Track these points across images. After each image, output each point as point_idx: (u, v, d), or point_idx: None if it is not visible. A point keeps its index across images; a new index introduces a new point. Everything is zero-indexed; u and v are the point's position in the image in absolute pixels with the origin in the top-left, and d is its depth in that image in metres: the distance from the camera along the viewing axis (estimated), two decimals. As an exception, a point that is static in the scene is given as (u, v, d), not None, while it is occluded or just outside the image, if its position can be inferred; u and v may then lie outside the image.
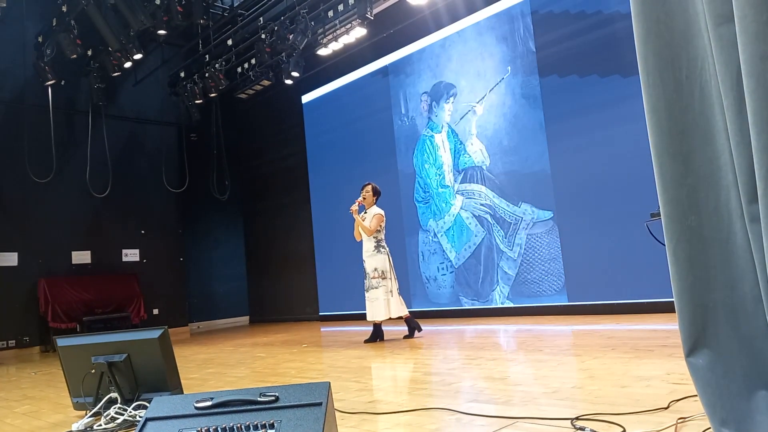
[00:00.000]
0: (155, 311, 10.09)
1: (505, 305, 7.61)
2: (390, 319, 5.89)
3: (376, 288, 5.84)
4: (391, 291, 5.84)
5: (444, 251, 8.43)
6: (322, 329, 8.55)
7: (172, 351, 3.04)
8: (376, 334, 5.97)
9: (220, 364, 5.45)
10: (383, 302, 5.80)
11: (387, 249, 5.96)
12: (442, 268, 8.44)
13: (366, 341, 5.97)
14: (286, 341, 7.10)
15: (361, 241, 6.09)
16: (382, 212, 6.02)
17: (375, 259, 5.90)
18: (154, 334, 2.97)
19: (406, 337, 5.97)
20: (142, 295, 9.76)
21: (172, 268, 10.57)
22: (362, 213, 6.10)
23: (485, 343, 5.31)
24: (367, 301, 5.92)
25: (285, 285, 11.04)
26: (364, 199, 6.06)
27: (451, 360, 4.40)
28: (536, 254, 7.32)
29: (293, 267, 10.86)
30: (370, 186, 6.13)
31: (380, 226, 5.95)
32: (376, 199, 6.14)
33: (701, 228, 1.61)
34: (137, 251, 10.20)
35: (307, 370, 4.48)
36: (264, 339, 7.73)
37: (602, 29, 6.72)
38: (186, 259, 10.92)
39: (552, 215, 7.15)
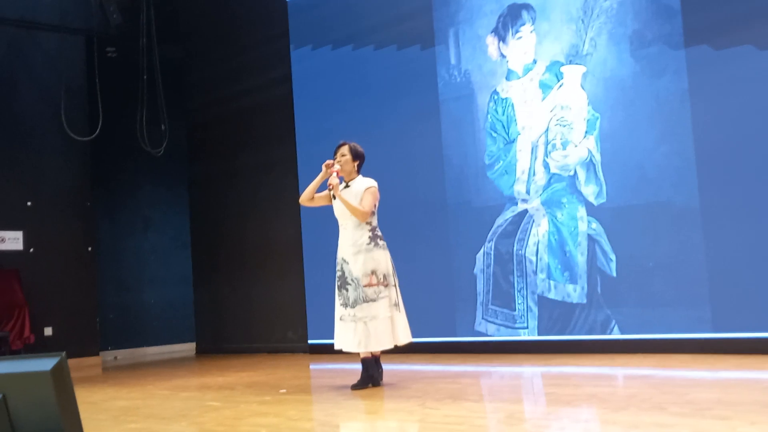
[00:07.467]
0: (47, 331, 8.44)
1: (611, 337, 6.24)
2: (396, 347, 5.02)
3: (374, 301, 4.87)
4: (397, 304, 4.93)
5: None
6: (311, 366, 7.48)
7: (72, 393, 2.40)
8: (369, 374, 5.01)
9: (148, 417, 4.96)
10: (385, 322, 4.83)
11: (384, 241, 5.14)
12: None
13: (354, 387, 5.06)
14: (253, 384, 6.38)
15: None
16: (376, 184, 5.23)
17: (371, 256, 4.91)
18: (46, 365, 2.29)
19: (354, 387, 5.03)
20: (27, 305, 8.17)
21: (76, 264, 8.62)
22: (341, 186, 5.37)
23: (562, 391, 4.59)
24: (352, 323, 4.85)
25: (254, 295, 9.01)
26: (341, 166, 5.09)
27: (520, 420, 3.70)
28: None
29: (268, 267, 8.85)
30: (346, 146, 5.26)
31: (375, 205, 5.25)
32: (359, 166, 5.23)
33: None
34: (20, 235, 8.28)
35: (287, 431, 3.99)
36: (219, 379, 6.88)
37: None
38: (98, 250, 9.03)
39: (696, 204, 6.13)
